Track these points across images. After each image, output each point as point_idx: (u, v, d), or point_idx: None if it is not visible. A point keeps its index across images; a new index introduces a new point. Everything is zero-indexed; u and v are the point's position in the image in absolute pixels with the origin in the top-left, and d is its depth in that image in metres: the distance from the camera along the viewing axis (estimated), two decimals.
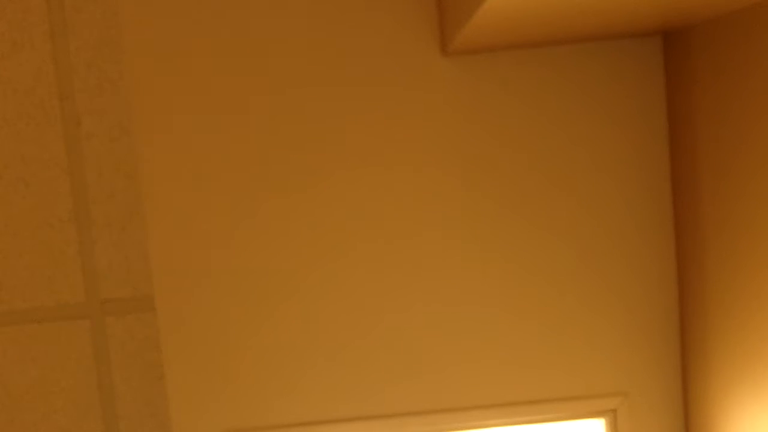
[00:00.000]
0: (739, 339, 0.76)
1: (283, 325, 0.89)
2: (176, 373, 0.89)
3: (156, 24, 0.86)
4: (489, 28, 0.70)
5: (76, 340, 0.89)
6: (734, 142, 0.74)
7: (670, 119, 0.87)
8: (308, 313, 0.89)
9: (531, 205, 0.89)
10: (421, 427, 0.90)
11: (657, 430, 0.92)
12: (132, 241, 0.88)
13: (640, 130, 0.88)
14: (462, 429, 0.91)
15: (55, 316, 0.89)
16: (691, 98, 0.82)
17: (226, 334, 0.89)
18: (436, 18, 0.86)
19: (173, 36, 0.86)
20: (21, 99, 0.87)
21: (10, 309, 0.89)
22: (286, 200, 0.88)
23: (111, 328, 0.89)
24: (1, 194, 0.88)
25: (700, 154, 0.81)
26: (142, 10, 0.86)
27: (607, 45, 0.87)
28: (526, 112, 0.88)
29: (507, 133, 0.88)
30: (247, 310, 0.89)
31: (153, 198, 0.88)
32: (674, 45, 0.84)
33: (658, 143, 0.88)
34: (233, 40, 0.86)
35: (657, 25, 0.79)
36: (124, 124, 0.87)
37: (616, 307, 0.90)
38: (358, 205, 0.88)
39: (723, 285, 0.79)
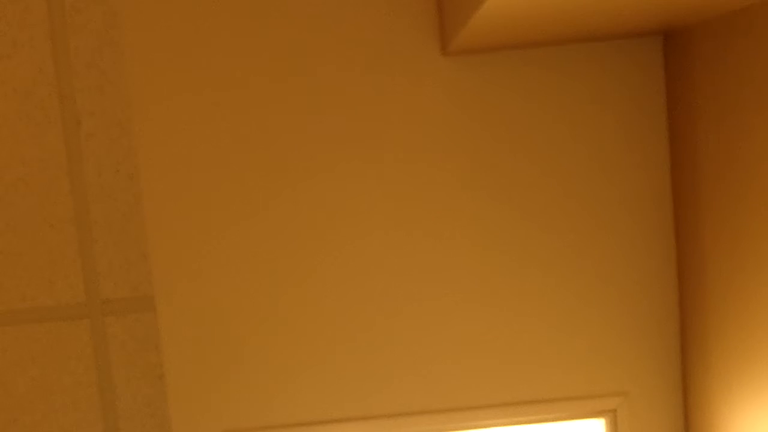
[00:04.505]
0: (739, 339, 0.76)
1: (283, 325, 0.89)
2: (176, 373, 0.89)
3: (156, 24, 0.86)
4: (489, 28, 0.70)
5: (76, 340, 0.89)
6: (734, 141, 0.74)
7: (670, 119, 0.87)
8: (308, 312, 0.89)
9: (531, 204, 0.89)
10: (421, 427, 0.90)
11: (657, 430, 0.92)
12: (132, 241, 0.88)
13: (640, 130, 0.88)
14: (462, 429, 0.91)
15: (55, 316, 0.89)
16: (691, 98, 0.82)
17: (225, 334, 0.89)
18: (436, 18, 0.86)
19: (173, 36, 0.86)
20: (21, 99, 0.87)
21: (10, 309, 0.89)
22: (285, 201, 0.88)
23: (111, 328, 0.89)
24: (1, 194, 0.88)
25: (701, 154, 0.81)
26: (142, 10, 0.86)
27: (607, 45, 0.87)
28: (526, 112, 0.88)
29: (507, 133, 0.88)
30: (246, 310, 0.89)
31: (153, 198, 0.88)
32: (674, 45, 0.84)
33: (658, 143, 0.88)
34: (233, 41, 0.86)
35: (657, 25, 0.79)
36: (124, 124, 0.87)
37: (616, 307, 0.90)
38: (357, 204, 0.88)
39: (723, 285, 0.78)
